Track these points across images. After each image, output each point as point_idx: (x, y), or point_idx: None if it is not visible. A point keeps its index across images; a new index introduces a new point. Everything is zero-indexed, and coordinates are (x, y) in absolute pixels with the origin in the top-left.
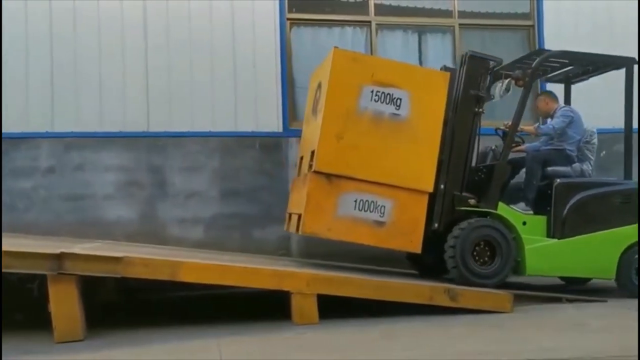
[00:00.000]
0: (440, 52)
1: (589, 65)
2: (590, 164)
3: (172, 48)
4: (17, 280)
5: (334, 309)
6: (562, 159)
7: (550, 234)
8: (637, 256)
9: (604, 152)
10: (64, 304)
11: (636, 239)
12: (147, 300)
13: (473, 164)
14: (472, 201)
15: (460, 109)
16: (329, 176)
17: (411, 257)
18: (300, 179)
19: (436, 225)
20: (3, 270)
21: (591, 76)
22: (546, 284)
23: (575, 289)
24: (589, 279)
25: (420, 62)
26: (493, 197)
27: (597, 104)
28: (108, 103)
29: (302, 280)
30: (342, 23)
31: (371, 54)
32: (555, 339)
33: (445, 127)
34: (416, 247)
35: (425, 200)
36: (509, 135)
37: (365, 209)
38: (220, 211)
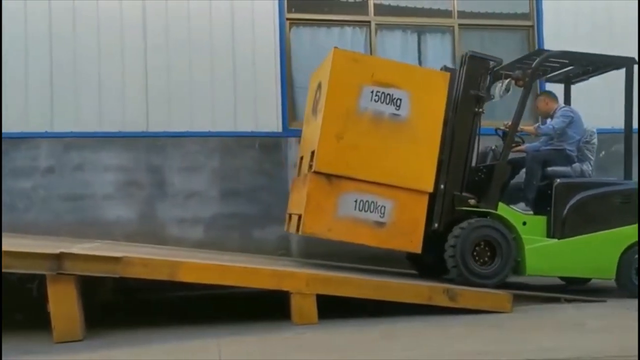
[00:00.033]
0: (439, 52)
1: (589, 65)
2: (590, 164)
3: (171, 48)
4: (16, 280)
5: (334, 309)
6: (562, 159)
7: (550, 234)
8: (637, 256)
9: (603, 152)
10: (63, 304)
11: (636, 239)
12: (147, 300)
13: (473, 164)
14: (472, 201)
15: (460, 109)
16: (329, 176)
17: (411, 257)
18: (300, 179)
19: (436, 225)
20: (2, 270)
21: (591, 76)
22: (546, 284)
23: (575, 289)
24: (589, 279)
25: (420, 62)
26: (493, 197)
27: (597, 104)
28: (107, 103)
29: (301, 280)
30: (342, 23)
31: (370, 54)
32: (554, 339)
33: (445, 127)
34: (416, 247)
35: (425, 200)
36: (509, 135)
37: (366, 209)
38: (220, 211)
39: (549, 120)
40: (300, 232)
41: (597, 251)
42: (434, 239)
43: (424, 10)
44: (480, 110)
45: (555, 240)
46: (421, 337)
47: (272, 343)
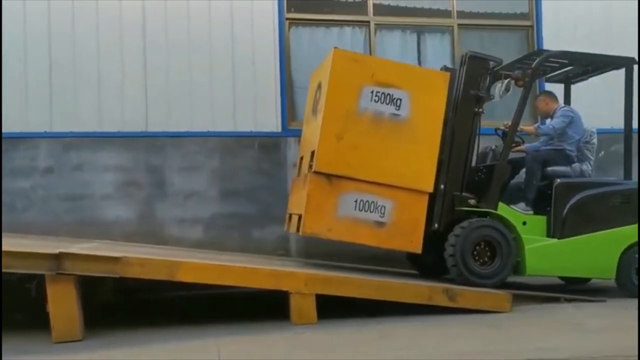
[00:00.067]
0: (438, 52)
1: (589, 65)
2: (590, 164)
3: (170, 48)
4: (15, 280)
5: (333, 309)
6: (562, 159)
7: (550, 234)
8: (637, 256)
9: (602, 152)
10: (63, 304)
11: (636, 239)
12: (146, 300)
13: (473, 164)
14: (472, 201)
15: (460, 109)
16: (329, 176)
17: (411, 257)
18: (301, 179)
19: (436, 225)
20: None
21: (591, 76)
22: (545, 284)
23: (574, 288)
24: (588, 279)
25: (419, 62)
26: (493, 197)
27: (597, 104)
28: (106, 103)
29: (300, 280)
30: (341, 23)
31: (370, 54)
32: (554, 339)
33: (445, 127)
34: (416, 247)
35: (425, 200)
36: (509, 135)
37: (366, 209)
38: (219, 211)
39: (548, 120)
40: (300, 232)
41: (597, 251)
42: (434, 239)
43: (423, 10)
44: (480, 110)
45: (555, 240)
46: (420, 336)
47: (271, 343)
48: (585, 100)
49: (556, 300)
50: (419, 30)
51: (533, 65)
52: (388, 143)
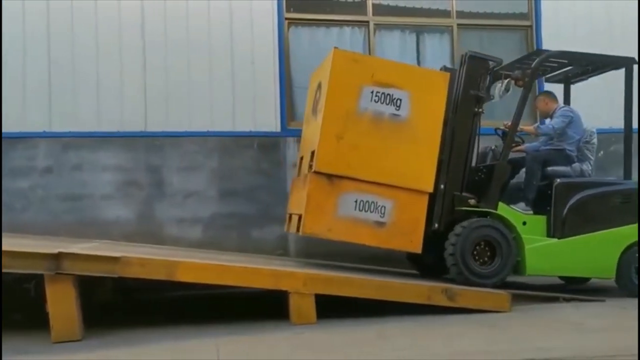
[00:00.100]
0: (438, 52)
1: (589, 65)
2: (590, 163)
3: (169, 47)
4: (14, 280)
5: (333, 308)
6: (561, 159)
7: (550, 234)
8: (637, 256)
9: (601, 152)
10: (62, 304)
11: (636, 239)
12: (145, 300)
13: (473, 164)
14: (472, 201)
15: (460, 109)
16: (329, 176)
17: (411, 257)
18: (301, 179)
19: (436, 225)
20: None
21: (590, 76)
22: (545, 284)
23: (574, 288)
24: (588, 279)
25: (418, 62)
26: (493, 197)
27: (597, 104)
28: (105, 102)
29: (299, 280)
30: (340, 23)
31: (369, 54)
32: (553, 339)
33: (445, 127)
34: (416, 247)
35: (425, 200)
36: (509, 135)
37: (366, 209)
38: (219, 211)
39: (548, 120)
40: (300, 232)
41: (597, 251)
42: (434, 239)
43: (423, 10)
44: (480, 110)
45: (555, 240)
46: (420, 336)
47: (271, 343)
48: (584, 100)
49: (555, 300)
50: (418, 30)
51: (533, 65)
52: (388, 143)
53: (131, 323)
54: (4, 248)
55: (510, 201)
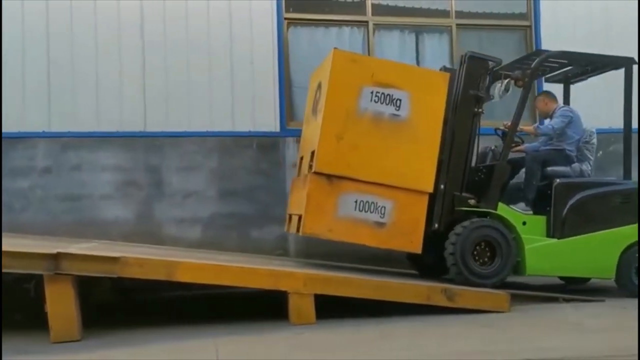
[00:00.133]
0: (437, 52)
1: (588, 65)
2: (589, 163)
3: (169, 47)
4: (14, 280)
5: (332, 308)
6: (561, 159)
7: (550, 234)
8: (637, 256)
9: (600, 152)
10: (61, 304)
11: (636, 239)
12: (144, 300)
13: (473, 164)
14: (472, 201)
15: (460, 109)
16: (329, 177)
17: (411, 258)
18: (300, 180)
19: (436, 225)
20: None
21: (590, 76)
22: (545, 284)
23: (573, 288)
24: (588, 279)
25: (418, 62)
26: (493, 197)
27: (596, 104)
28: (105, 102)
29: (299, 280)
30: (340, 23)
31: (368, 54)
32: (552, 339)
33: (445, 127)
34: (416, 247)
35: (425, 200)
36: (509, 136)
37: (366, 209)
38: (218, 211)
39: (548, 120)
40: (300, 233)
41: (596, 251)
42: (434, 239)
43: (422, 10)
44: (480, 110)
45: (555, 240)
46: (419, 336)
47: (270, 343)
48: (584, 100)
49: (555, 300)
50: (418, 30)
51: (532, 66)
52: (388, 143)
53: (130, 323)
54: (3, 248)
55: (510, 201)
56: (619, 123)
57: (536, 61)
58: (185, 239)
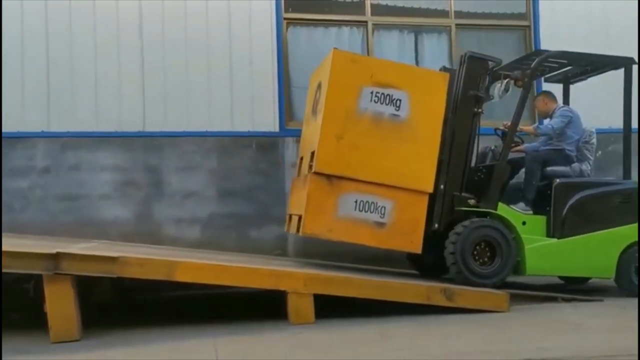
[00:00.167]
0: (436, 52)
1: (588, 65)
2: (589, 163)
3: (168, 47)
4: (14, 280)
5: (331, 309)
6: (561, 159)
7: (549, 234)
8: (636, 255)
9: (600, 152)
10: (60, 304)
11: (635, 239)
12: (143, 300)
13: (473, 164)
14: (471, 201)
15: (460, 109)
16: (329, 177)
17: (411, 258)
18: (300, 180)
19: (436, 225)
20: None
21: (590, 76)
22: (544, 284)
23: (573, 288)
24: (588, 279)
25: (417, 62)
26: (493, 197)
27: (596, 104)
28: (104, 102)
29: (298, 280)
30: (339, 23)
31: (367, 54)
32: (551, 339)
33: (445, 127)
34: (416, 247)
35: (425, 200)
36: (509, 136)
37: (366, 209)
38: (217, 211)
39: (547, 120)
40: (300, 233)
41: (596, 251)
42: (434, 239)
43: (421, 10)
44: (480, 110)
45: (554, 240)
46: (419, 336)
47: (269, 343)
48: (584, 100)
49: (554, 299)
50: (417, 30)
51: (532, 66)
52: (388, 143)
53: (129, 323)
54: (3, 248)
55: (510, 201)
56: (618, 123)
57: (536, 61)
58: (185, 239)
